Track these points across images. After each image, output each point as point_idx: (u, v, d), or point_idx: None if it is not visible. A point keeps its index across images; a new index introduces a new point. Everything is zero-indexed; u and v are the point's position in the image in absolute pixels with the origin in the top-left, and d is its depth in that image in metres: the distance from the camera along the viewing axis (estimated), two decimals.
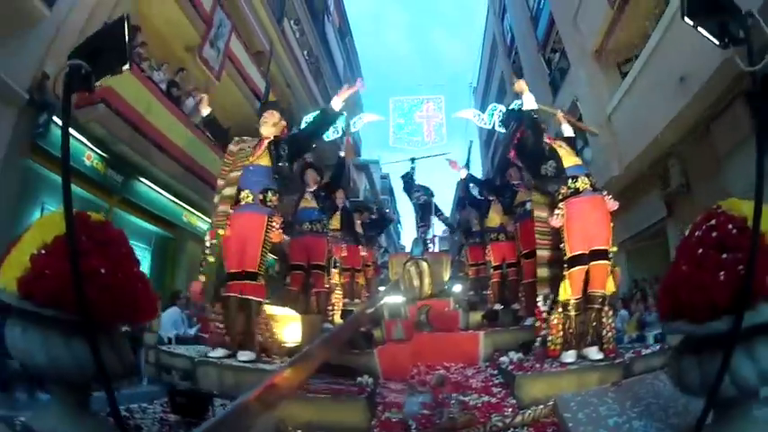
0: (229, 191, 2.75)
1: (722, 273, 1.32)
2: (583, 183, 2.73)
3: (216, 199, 2.87)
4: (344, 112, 7.87)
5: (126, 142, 5.52)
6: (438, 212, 7.72)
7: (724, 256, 1.36)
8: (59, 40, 5.20)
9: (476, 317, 4.80)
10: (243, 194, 2.71)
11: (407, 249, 7.96)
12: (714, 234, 1.43)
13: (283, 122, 3.09)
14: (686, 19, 1.41)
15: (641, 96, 6.58)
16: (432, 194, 7.49)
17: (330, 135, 7.53)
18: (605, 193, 2.82)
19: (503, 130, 7.52)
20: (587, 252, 2.61)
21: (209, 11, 7.58)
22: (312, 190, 4.29)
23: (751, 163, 1.37)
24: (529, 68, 12.09)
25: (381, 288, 6.42)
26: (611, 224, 2.75)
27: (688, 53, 5.20)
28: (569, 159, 2.86)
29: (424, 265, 5.82)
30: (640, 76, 6.47)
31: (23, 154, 4.95)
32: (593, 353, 2.54)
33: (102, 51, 1.40)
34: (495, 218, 4.90)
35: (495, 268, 4.90)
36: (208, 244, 2.72)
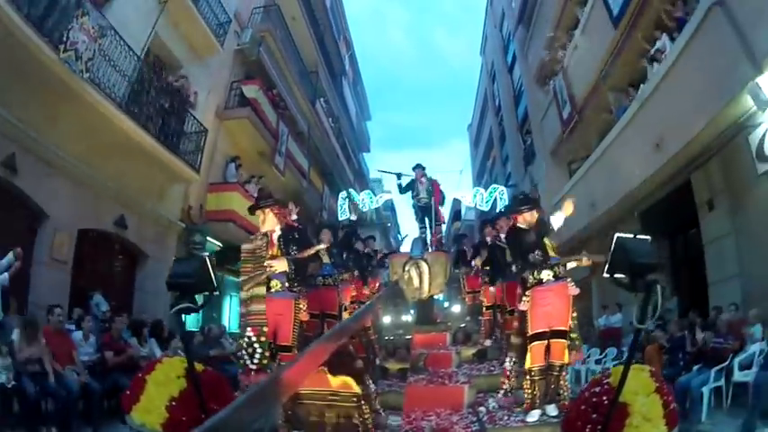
0: (259, 290, 3.00)
1: (589, 426, 2.09)
2: (546, 274, 3.13)
3: (243, 296, 3.03)
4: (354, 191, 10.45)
5: (239, 238, 8.55)
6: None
7: (594, 415, 2.10)
8: (195, 184, 8.27)
9: (467, 353, 5.30)
10: (272, 283, 3.06)
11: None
12: (594, 399, 2.15)
13: (269, 212, 3.19)
14: (605, 274, 2.02)
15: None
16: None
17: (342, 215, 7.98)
18: (568, 280, 3.18)
19: (484, 209, 8.43)
20: (548, 331, 3.06)
21: (275, 125, 10.58)
22: (326, 247, 4.39)
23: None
24: (510, 139, 15.10)
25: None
26: (571, 308, 3.15)
27: (599, 190, 8.31)
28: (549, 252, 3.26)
29: (424, 265, 5.92)
30: (571, 191, 9.54)
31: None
32: (551, 409, 3.05)
33: (197, 285, 2.15)
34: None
35: (488, 308, 5.52)
36: (254, 338, 2.89)
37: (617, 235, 2.16)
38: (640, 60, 7.49)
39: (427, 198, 7.12)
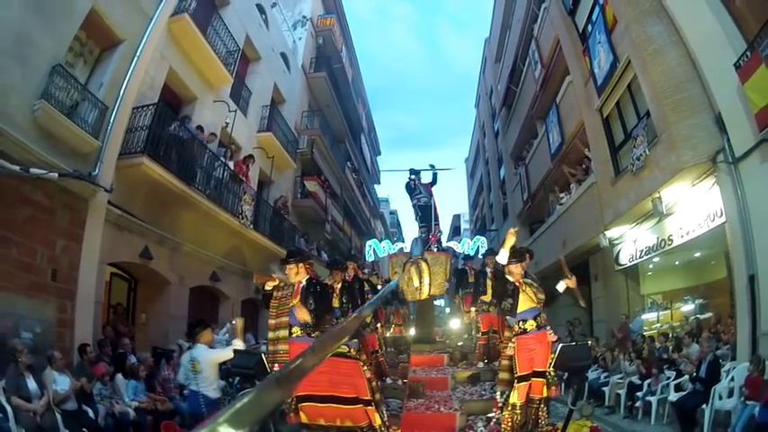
0: (284, 333, 3.60)
1: None
2: (530, 324, 3.73)
3: (271, 336, 3.72)
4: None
5: None
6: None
7: None
8: None
9: (462, 375, 5.58)
10: (293, 329, 3.62)
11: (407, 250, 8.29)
12: None
13: (302, 266, 3.83)
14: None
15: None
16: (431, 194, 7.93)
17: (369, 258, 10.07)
18: (548, 328, 3.81)
19: (470, 254, 9.46)
20: (530, 372, 3.65)
21: (324, 201, 15.21)
22: (338, 286, 4.73)
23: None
24: (494, 192, 19.62)
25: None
26: (551, 351, 3.71)
27: (544, 250, 12.89)
28: (526, 303, 3.78)
29: (424, 265, 5.78)
30: (531, 245, 14.16)
31: None
32: None
33: (255, 376, 3.18)
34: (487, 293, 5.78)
35: (483, 334, 5.91)
36: None
37: (561, 345, 3.43)
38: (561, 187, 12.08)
39: (426, 198, 7.74)
